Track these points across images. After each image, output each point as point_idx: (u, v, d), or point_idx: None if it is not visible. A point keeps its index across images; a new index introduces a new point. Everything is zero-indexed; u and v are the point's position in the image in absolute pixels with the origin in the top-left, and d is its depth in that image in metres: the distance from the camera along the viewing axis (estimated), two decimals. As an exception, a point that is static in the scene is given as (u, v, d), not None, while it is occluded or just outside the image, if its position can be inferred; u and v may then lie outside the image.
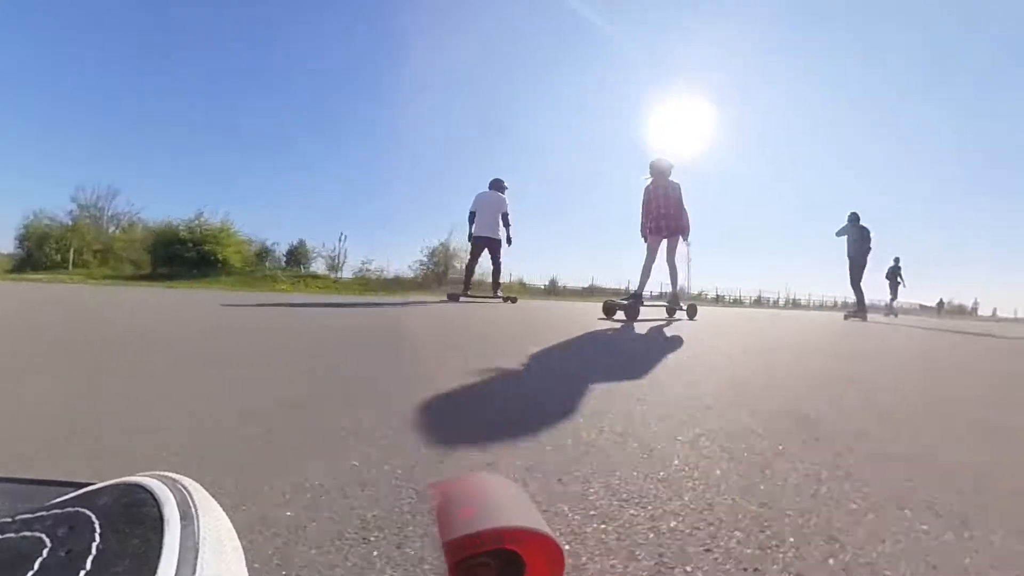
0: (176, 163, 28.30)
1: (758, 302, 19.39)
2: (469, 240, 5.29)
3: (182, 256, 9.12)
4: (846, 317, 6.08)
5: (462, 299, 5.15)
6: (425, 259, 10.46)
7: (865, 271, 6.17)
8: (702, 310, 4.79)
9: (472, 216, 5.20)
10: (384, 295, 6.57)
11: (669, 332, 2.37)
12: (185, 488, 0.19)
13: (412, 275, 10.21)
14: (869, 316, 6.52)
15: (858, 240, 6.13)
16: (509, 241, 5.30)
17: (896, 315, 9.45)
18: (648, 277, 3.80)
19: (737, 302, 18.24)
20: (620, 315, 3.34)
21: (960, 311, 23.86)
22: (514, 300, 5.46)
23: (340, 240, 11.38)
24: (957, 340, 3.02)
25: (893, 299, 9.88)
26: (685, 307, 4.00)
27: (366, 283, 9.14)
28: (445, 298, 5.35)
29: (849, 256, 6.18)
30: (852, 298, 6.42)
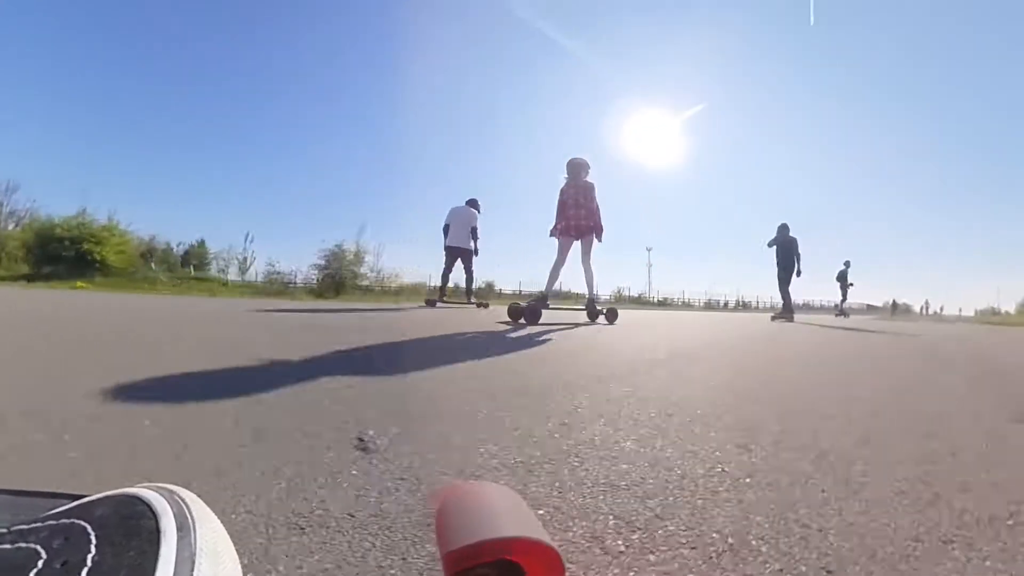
0: (87, 160, 26.45)
1: (708, 305, 19.98)
2: (444, 250, 5.98)
3: (60, 255, 8.58)
4: (773, 319, 6.44)
5: (439, 304, 5.75)
6: (322, 263, 9.13)
7: (794, 276, 6.85)
8: (642, 314, 4.70)
9: (446, 228, 5.89)
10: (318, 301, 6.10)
11: (545, 337, 2.15)
12: (182, 500, 0.19)
13: (302, 281, 9.34)
14: (813, 317, 6.85)
15: (787, 249, 6.88)
16: (476, 252, 6.01)
17: (847, 316, 9.89)
18: (556, 279, 3.66)
19: (686, 305, 18.69)
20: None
21: (907, 311, 25.57)
22: (486, 305, 6.08)
23: (247, 240, 10.65)
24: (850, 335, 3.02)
25: (843, 300, 10.36)
26: (605, 311, 3.82)
27: (257, 288, 8.60)
28: (423, 303, 6.02)
29: (778, 264, 6.90)
30: (799, 301, 7.18)
